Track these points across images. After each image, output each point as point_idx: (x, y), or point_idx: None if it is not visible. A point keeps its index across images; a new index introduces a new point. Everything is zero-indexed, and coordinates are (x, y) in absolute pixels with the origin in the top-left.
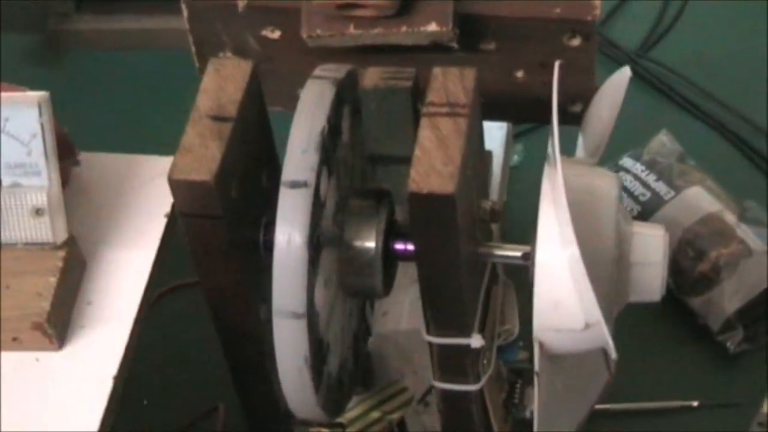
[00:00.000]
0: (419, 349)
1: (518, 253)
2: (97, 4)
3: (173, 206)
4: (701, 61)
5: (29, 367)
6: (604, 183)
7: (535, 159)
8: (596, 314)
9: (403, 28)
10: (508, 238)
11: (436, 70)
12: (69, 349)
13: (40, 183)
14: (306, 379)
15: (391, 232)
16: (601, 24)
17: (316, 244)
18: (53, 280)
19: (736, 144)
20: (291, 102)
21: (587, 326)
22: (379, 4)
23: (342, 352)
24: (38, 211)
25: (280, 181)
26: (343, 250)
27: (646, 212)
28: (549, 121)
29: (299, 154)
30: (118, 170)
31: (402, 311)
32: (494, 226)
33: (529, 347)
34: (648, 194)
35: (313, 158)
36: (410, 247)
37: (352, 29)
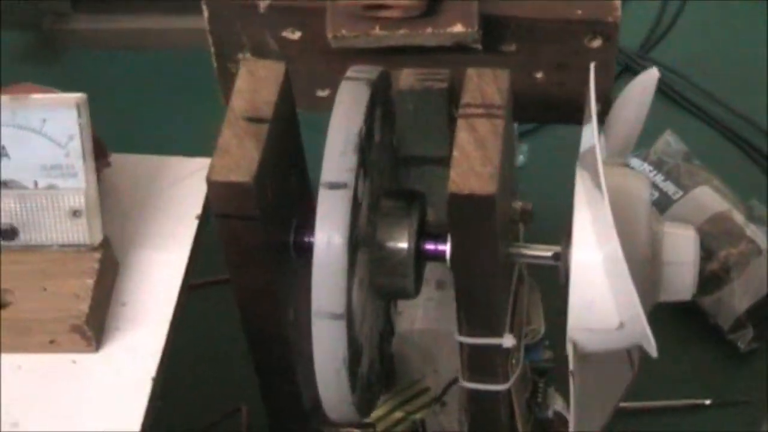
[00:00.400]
0: (437, 348)
1: (548, 253)
2: (93, 4)
3: (204, 207)
4: (701, 62)
5: (66, 370)
6: (637, 183)
7: (540, 159)
8: (637, 313)
9: (429, 30)
10: None
11: (471, 72)
12: (105, 351)
13: (77, 185)
14: (343, 380)
15: (423, 233)
16: None
17: (354, 245)
18: (90, 281)
19: (738, 144)
20: (309, 103)
21: (621, 325)
22: (407, 4)
23: (371, 353)
24: (75, 213)
25: (307, 183)
26: (374, 250)
27: None
28: (565, 121)
29: (337, 156)
30: (147, 171)
31: (416, 311)
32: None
33: (554, 347)
34: (656, 194)
35: (351, 160)
36: (441, 247)
37: (377, 30)
